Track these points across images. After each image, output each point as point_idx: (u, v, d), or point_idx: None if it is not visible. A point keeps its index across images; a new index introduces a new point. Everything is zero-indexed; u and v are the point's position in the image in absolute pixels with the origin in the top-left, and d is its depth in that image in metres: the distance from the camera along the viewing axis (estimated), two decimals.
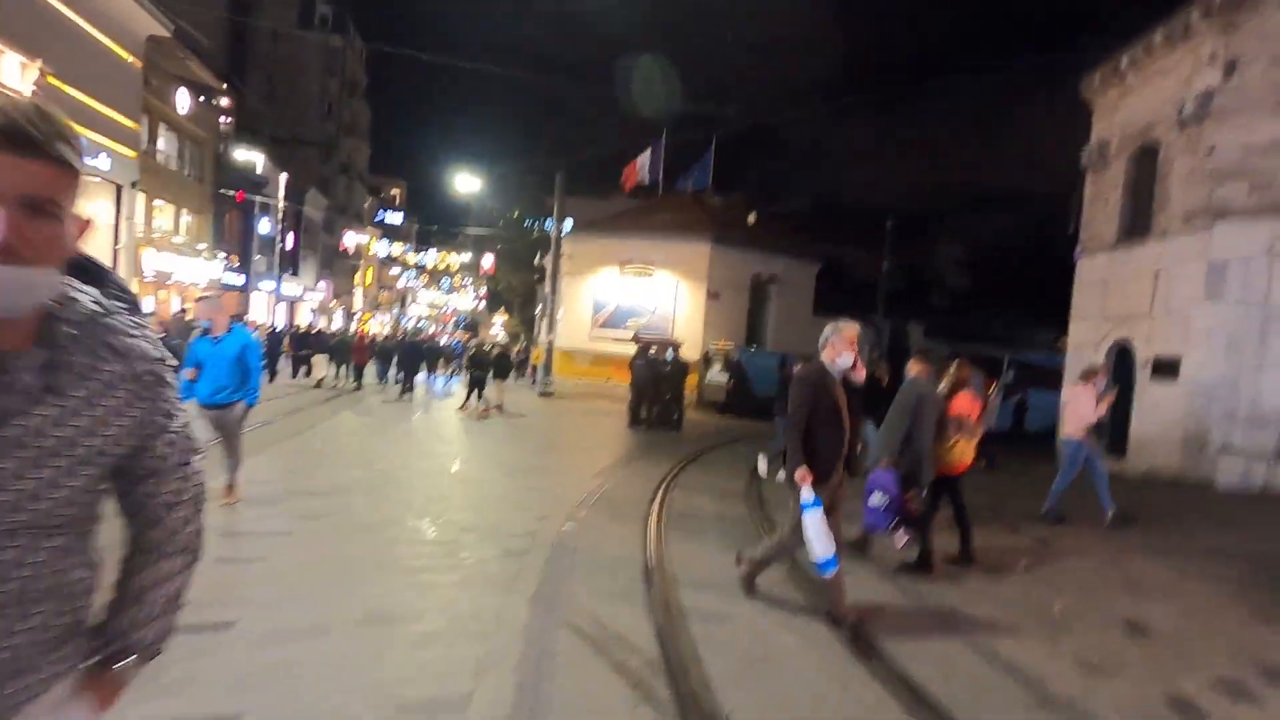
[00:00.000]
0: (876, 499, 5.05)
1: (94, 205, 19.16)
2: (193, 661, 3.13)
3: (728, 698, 3.25)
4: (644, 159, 25.72)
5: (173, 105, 24.03)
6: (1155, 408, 11.94)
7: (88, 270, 1.24)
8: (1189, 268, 11.55)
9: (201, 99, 26.10)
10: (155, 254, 23.33)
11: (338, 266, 48.56)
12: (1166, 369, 11.73)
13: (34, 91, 15.15)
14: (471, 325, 41.11)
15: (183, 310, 26.09)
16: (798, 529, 4.13)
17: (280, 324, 30.20)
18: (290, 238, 37.34)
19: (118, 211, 19.23)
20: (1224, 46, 11.20)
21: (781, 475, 9.26)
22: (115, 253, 19.18)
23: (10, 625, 1.03)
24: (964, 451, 5.76)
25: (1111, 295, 13.63)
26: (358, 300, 55.00)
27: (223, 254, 29.83)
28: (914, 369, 5.66)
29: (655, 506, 7.02)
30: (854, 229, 33.74)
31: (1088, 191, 14.97)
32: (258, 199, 31.55)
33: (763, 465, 9.51)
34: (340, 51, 48.28)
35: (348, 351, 19.27)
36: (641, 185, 26.07)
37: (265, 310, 34.26)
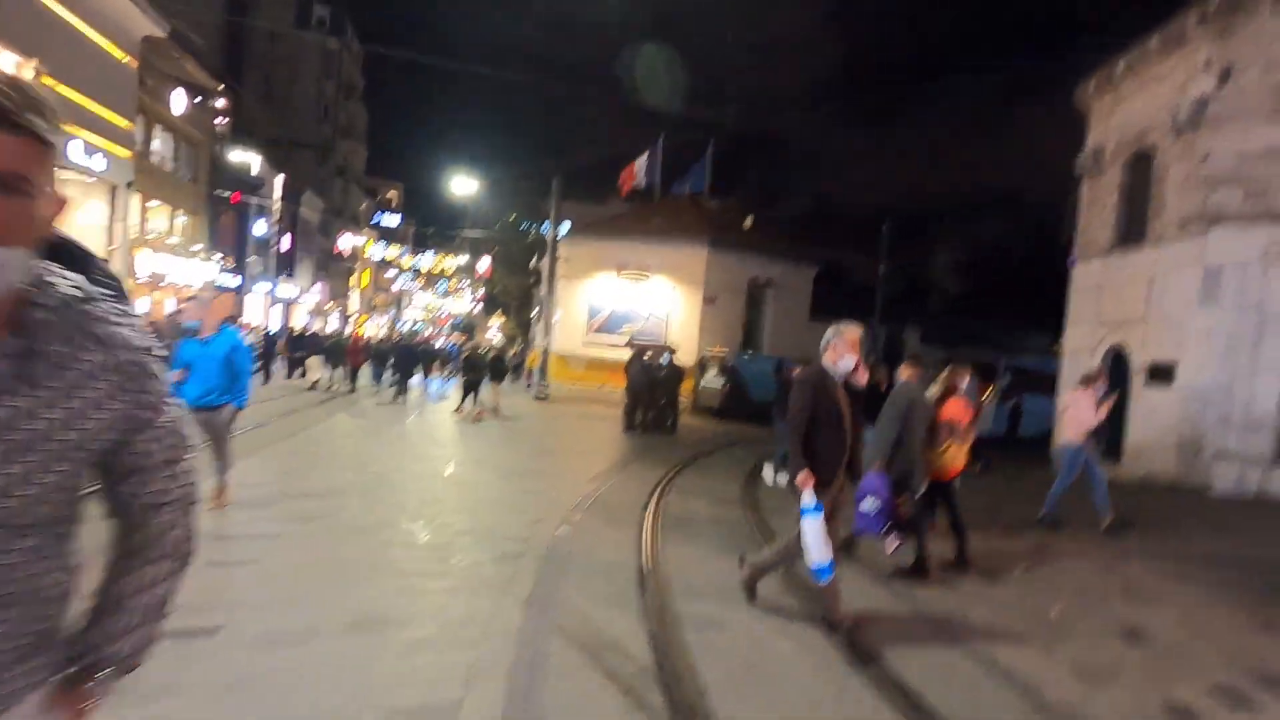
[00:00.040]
0: (868, 504, 5.02)
1: (88, 206, 19.10)
2: (178, 667, 3.08)
3: (722, 705, 3.21)
4: (641, 163, 25.74)
5: (168, 106, 23.95)
6: (1150, 413, 11.95)
7: (70, 254, 1.19)
8: (1184, 273, 11.58)
9: (197, 100, 26.03)
10: (150, 255, 23.24)
11: (334, 269, 48.46)
12: (1162, 374, 11.76)
13: None
14: (467, 328, 41.05)
15: (177, 311, 26.02)
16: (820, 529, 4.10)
17: (276, 326, 30.07)
18: (286, 239, 37.24)
19: (112, 212, 19.14)
20: (1219, 53, 11.25)
21: (784, 480, 9.24)
22: (109, 254, 19.09)
23: None
24: (956, 456, 5.75)
25: (1107, 300, 13.65)
26: (354, 302, 54.88)
27: (218, 255, 29.73)
28: (905, 373, 5.65)
29: (650, 511, 6.97)
30: (851, 233, 33.83)
31: (1083, 197, 15.01)
32: (253, 200, 31.47)
33: (769, 474, 9.43)
34: (337, 53, 48.26)
35: (343, 354, 19.18)
36: (639, 189, 26.10)
37: (261, 312, 34.14)
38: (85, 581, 1.14)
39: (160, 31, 19.66)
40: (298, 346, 19.33)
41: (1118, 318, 13.24)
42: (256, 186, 32.04)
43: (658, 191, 26.70)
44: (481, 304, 62.88)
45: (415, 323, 67.21)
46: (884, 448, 5.26)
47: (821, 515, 3.98)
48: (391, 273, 67.08)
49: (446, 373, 24.85)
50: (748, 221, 26.08)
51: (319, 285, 44.61)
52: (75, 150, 16.84)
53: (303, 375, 19.06)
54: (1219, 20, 11.21)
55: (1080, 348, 14.42)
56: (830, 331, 4.27)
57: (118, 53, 18.43)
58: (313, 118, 46.90)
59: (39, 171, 0.97)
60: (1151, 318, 12.24)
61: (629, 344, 19.47)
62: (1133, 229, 13.28)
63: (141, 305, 22.78)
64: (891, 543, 5.58)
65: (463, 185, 28.62)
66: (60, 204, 1.04)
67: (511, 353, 31.65)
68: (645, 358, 15.67)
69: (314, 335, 21.01)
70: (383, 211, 65.21)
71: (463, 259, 65.79)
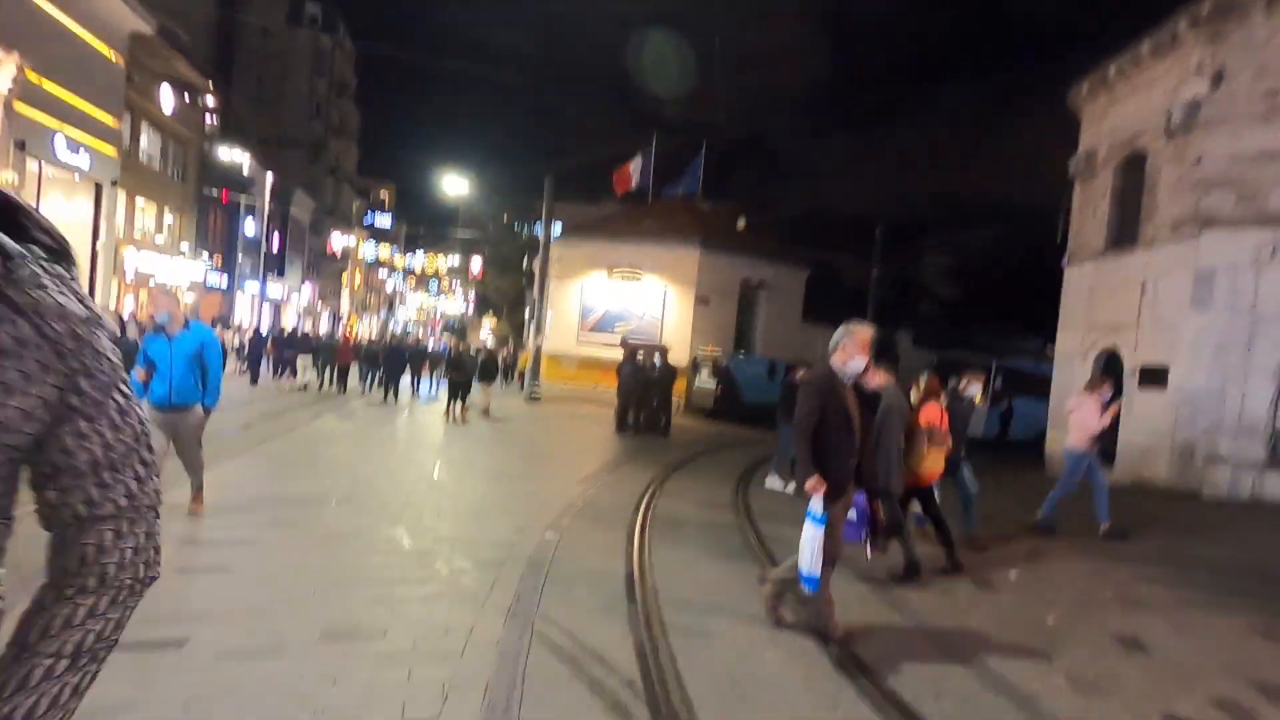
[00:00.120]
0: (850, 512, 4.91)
1: (73, 203, 18.85)
2: (138, 683, 2.93)
3: (710, 719, 3.10)
4: (635, 164, 25.64)
5: (156, 103, 23.70)
6: (1143, 417, 11.90)
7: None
8: (1176, 277, 11.54)
9: (186, 97, 25.78)
10: (136, 253, 22.98)
11: (324, 269, 48.13)
12: (1154, 378, 11.71)
13: (10, 87, 14.85)
14: (459, 329, 40.84)
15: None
16: (828, 543, 3.96)
17: (265, 326, 29.79)
18: (276, 239, 36.94)
19: (97, 210, 18.89)
20: (1211, 56, 11.23)
21: (793, 488, 9.12)
22: (95, 251, 18.84)
23: None
24: (935, 461, 5.67)
25: (1099, 304, 13.62)
26: (345, 303, 54.54)
27: (206, 255, 29.45)
28: (879, 379, 5.55)
29: (640, 515, 6.85)
30: (844, 236, 33.81)
31: (1075, 200, 14.99)
32: (243, 199, 31.18)
33: (774, 482, 9.28)
34: (329, 51, 47.97)
35: (333, 354, 18.99)
36: (634, 190, 26.00)
37: (250, 312, 33.84)
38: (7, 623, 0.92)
39: (148, 28, 19.41)
40: (286, 347, 19.09)
41: (1110, 321, 13.20)
42: (246, 185, 31.74)
43: (651, 192, 26.62)
44: (474, 305, 62.67)
45: (407, 324, 66.92)
46: None
47: (825, 526, 3.84)
48: (383, 273, 66.72)
49: (436, 374, 24.68)
50: (740, 223, 26.01)
51: (309, 285, 44.28)
52: (60, 147, 16.62)
53: (291, 376, 18.83)
54: (1211, 24, 11.19)
55: (1072, 351, 14.39)
56: (840, 331, 4.10)
57: (105, 49, 18.20)
58: (304, 116, 46.58)
59: None
60: (1144, 321, 12.21)
61: (622, 344, 19.34)
62: (1125, 232, 13.25)
63: (127, 304, 22.53)
64: (872, 550, 5.48)
65: (455, 185, 28.43)
66: None
67: (503, 353, 31.49)
68: (638, 358, 15.56)
69: (304, 336, 20.78)
70: (375, 211, 64.86)
71: (455, 259, 65.56)
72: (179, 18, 24.36)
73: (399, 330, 52.33)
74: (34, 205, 0.95)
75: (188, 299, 29.00)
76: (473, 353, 16.20)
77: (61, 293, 0.89)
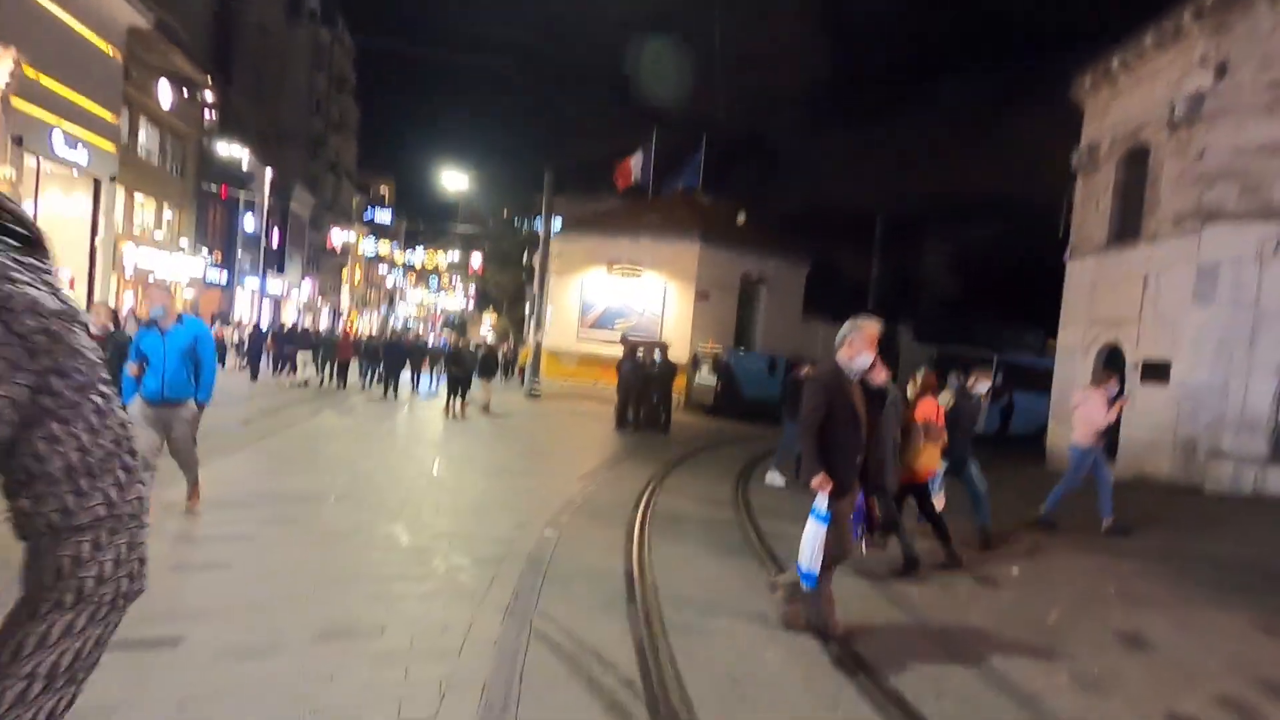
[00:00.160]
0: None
1: (71, 199, 18.80)
2: (131, 683, 2.91)
3: (709, 719, 3.07)
4: (636, 159, 25.59)
5: (154, 98, 23.62)
6: (1145, 412, 11.85)
7: None
8: (1179, 271, 11.48)
9: (184, 92, 25.69)
10: (135, 249, 22.93)
11: (325, 264, 48.08)
12: (1156, 373, 11.66)
13: (8, 82, 14.79)
14: (459, 325, 40.79)
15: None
16: (839, 541, 3.92)
17: (265, 322, 29.75)
18: (275, 235, 36.87)
19: (96, 206, 18.84)
20: (1215, 48, 11.14)
21: (780, 481, 9.06)
22: (93, 247, 18.80)
23: None
24: (931, 457, 5.64)
25: (1101, 298, 13.56)
26: (345, 299, 54.50)
27: (206, 250, 29.39)
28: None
29: (640, 511, 6.82)
30: (844, 230, 33.73)
31: (1078, 194, 14.92)
32: (242, 195, 31.10)
33: (775, 478, 9.25)
34: (328, 46, 47.80)
35: (333, 350, 18.95)
36: (635, 185, 25.96)
37: (250, 308, 33.81)
38: None
39: (146, 23, 19.33)
40: (287, 343, 19.04)
41: (1112, 315, 13.15)
42: (245, 181, 31.65)
43: (651, 187, 26.55)
44: (474, 300, 62.63)
45: (407, 319, 66.89)
46: None
47: (828, 525, 3.80)
48: (384, 269, 66.67)
49: (436, 370, 24.65)
50: (740, 217, 25.91)
51: (309, 281, 44.24)
52: (58, 142, 16.56)
53: (291, 372, 18.80)
54: (1215, 15, 11.10)
55: (1074, 346, 14.34)
56: (847, 326, 4.04)
57: (102, 43, 18.11)
58: (303, 111, 46.45)
59: None
60: (1146, 315, 12.15)
61: (622, 341, 19.29)
62: (1127, 226, 13.18)
63: (127, 301, 22.50)
64: (867, 545, 5.45)
65: (454, 180, 28.37)
66: None
67: (503, 349, 31.45)
68: (638, 354, 15.52)
69: (304, 331, 20.74)
70: (375, 207, 64.75)
71: (455, 255, 65.50)
72: (177, 12, 24.22)
73: (399, 326, 52.32)
74: (16, 198, 0.89)
75: (187, 295, 28.98)
76: (472, 348, 16.16)
77: (34, 285, 0.84)
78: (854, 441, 3.92)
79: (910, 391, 5.85)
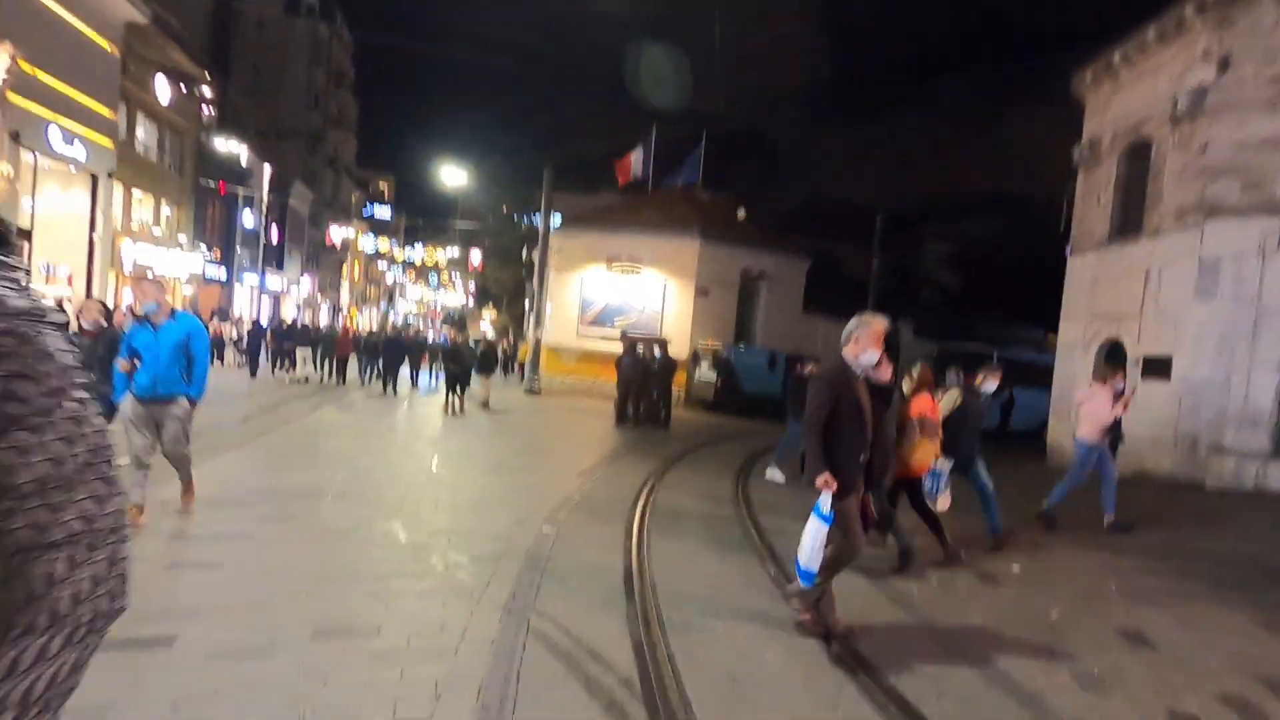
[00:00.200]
0: None
1: (69, 195, 18.74)
2: (124, 683, 2.88)
3: (708, 719, 3.04)
4: (636, 155, 25.49)
5: (152, 94, 23.53)
6: (1146, 407, 11.80)
7: None
8: (1180, 266, 11.44)
9: (182, 88, 25.59)
10: (133, 246, 22.88)
11: (324, 261, 48.00)
12: (1157, 368, 11.62)
13: (4, 77, 14.69)
14: (459, 321, 40.70)
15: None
16: (850, 539, 3.86)
17: (265, 318, 29.69)
18: (274, 231, 36.79)
19: (94, 202, 18.79)
20: (1218, 42, 11.08)
21: (782, 476, 9.02)
22: (91, 244, 18.75)
23: None
24: (926, 453, 5.61)
25: (1102, 293, 13.52)
26: (345, 295, 54.44)
27: (204, 247, 29.33)
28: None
29: (639, 508, 6.79)
30: (844, 226, 33.66)
31: (1079, 189, 14.86)
32: (241, 191, 31.02)
33: (775, 474, 9.23)
34: (327, 41, 47.65)
35: (332, 346, 18.91)
36: (635, 181, 25.86)
37: (249, 304, 33.75)
38: None
39: (143, 17, 19.24)
40: (286, 339, 18.98)
41: (1113, 310, 13.10)
42: (244, 177, 31.56)
43: (650, 183, 26.44)
44: (474, 296, 62.53)
45: (407, 315, 66.80)
46: None
47: (829, 526, 3.75)
48: (383, 265, 66.58)
49: (436, 366, 24.61)
50: (740, 213, 25.82)
51: (308, 277, 44.17)
52: (55, 138, 16.49)
53: (291, 368, 18.77)
54: (1218, 9, 11.03)
55: (1075, 341, 14.30)
56: (854, 323, 3.97)
57: (99, 39, 18.03)
58: (302, 107, 46.33)
59: None
60: (1147, 311, 12.11)
61: (622, 336, 19.25)
62: (1129, 221, 13.13)
63: (126, 297, 22.46)
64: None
65: (453, 176, 28.28)
66: None
67: (503, 345, 31.41)
68: (638, 350, 15.48)
69: (304, 328, 20.68)
70: (374, 204, 64.63)
71: (454, 251, 65.37)
72: (175, 8, 24.12)
73: (399, 322, 52.26)
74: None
75: (186, 291, 28.92)
76: (471, 344, 16.11)
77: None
78: (859, 440, 3.86)
79: (906, 387, 5.81)
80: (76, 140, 17.38)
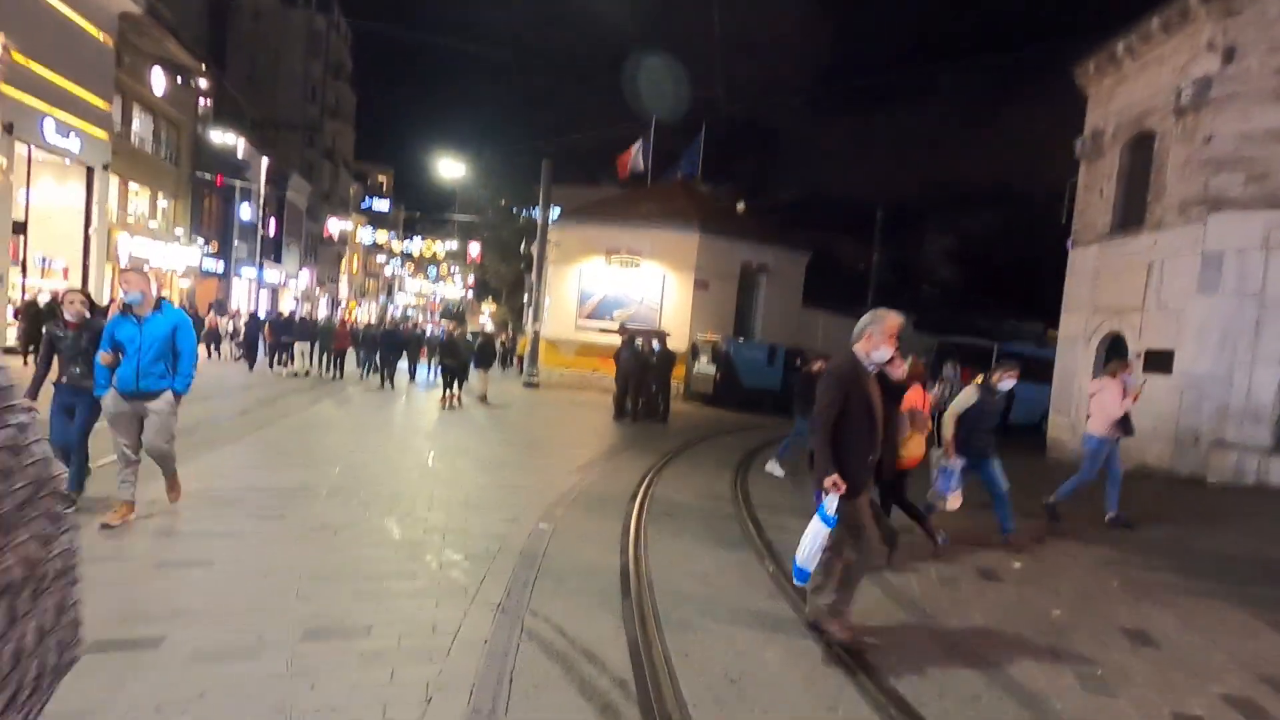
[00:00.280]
0: None
1: (64, 188, 18.62)
2: (108, 686, 2.82)
3: None
4: (636, 148, 25.38)
5: (148, 85, 23.38)
6: (1147, 401, 11.71)
7: None
8: (1183, 259, 11.35)
9: (178, 79, 25.42)
10: (129, 239, 22.75)
11: (322, 254, 47.84)
12: (1159, 362, 11.55)
13: None
14: (457, 314, 40.58)
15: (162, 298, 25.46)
16: (865, 540, 3.75)
17: (262, 311, 29.54)
18: (272, 224, 36.63)
19: (89, 194, 18.69)
20: (1223, 33, 10.96)
21: (782, 471, 8.95)
22: (87, 237, 18.65)
23: None
24: (916, 446, 5.55)
25: (1104, 286, 13.44)
26: (343, 288, 54.29)
27: (202, 240, 29.19)
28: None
29: (637, 504, 6.73)
30: (844, 220, 33.55)
31: (1081, 181, 14.76)
32: (238, 183, 30.87)
33: (774, 468, 9.17)
34: (324, 32, 47.35)
35: (331, 339, 18.81)
36: (635, 173, 25.75)
37: (247, 297, 33.63)
38: None
39: (136, 7, 19.09)
40: (284, 332, 18.87)
41: (1115, 304, 13.02)
42: (241, 169, 31.41)
43: (649, 176, 26.32)
44: (472, 290, 62.37)
45: (406, 308, 66.65)
46: None
47: (832, 528, 3.66)
48: (382, 258, 66.39)
49: (434, 360, 24.52)
50: (740, 206, 25.72)
51: (306, 270, 44.03)
52: (49, 130, 16.37)
53: (290, 362, 18.68)
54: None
55: (1076, 334, 14.23)
56: (867, 318, 3.85)
57: (93, 30, 17.89)
58: (299, 98, 46.09)
59: None
60: (1149, 304, 12.03)
61: (621, 329, 19.16)
62: (1131, 213, 13.04)
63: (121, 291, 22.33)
64: None
65: (452, 168, 28.14)
66: None
67: (501, 338, 31.31)
68: (637, 343, 15.39)
69: (302, 321, 20.55)
70: (373, 197, 64.38)
71: (453, 244, 65.15)
72: None
73: (398, 314, 52.13)
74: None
75: (184, 284, 28.79)
76: (469, 337, 16.02)
77: None
78: (869, 439, 3.73)
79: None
80: (71, 132, 17.26)
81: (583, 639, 3.65)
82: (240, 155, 30.99)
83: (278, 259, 38.04)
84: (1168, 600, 5.15)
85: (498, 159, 37.04)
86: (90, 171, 18.55)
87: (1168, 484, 10.46)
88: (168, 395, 4.85)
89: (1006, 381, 6.16)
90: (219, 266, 31.13)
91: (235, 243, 32.20)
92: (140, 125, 24.23)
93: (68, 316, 4.94)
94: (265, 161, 33.10)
